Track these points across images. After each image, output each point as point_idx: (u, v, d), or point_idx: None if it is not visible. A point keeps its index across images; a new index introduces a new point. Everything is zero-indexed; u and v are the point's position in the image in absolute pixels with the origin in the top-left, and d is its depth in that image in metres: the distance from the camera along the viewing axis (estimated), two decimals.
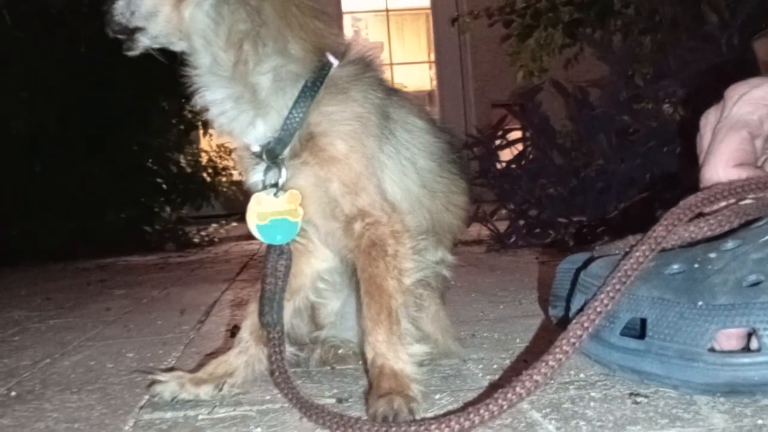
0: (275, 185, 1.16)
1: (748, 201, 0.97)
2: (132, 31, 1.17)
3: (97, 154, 4.56)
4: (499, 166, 4.04)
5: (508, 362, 1.31)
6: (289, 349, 1.21)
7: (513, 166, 3.98)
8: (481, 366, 1.29)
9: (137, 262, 4.23)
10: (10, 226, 4.60)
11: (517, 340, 1.49)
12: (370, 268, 1.12)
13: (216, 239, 5.35)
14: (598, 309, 0.90)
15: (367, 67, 1.23)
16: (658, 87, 3.60)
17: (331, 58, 1.18)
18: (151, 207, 5.11)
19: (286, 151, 1.15)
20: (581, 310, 0.92)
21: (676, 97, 3.56)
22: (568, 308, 1.11)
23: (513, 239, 3.82)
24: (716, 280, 0.89)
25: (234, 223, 5.71)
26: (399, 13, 9.16)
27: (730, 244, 0.93)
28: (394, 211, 1.15)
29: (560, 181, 3.87)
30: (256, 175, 1.18)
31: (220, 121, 1.16)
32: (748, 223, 0.96)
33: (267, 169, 1.16)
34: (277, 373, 1.12)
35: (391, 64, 8.20)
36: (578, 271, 1.10)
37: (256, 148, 1.17)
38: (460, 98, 7.35)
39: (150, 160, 4.93)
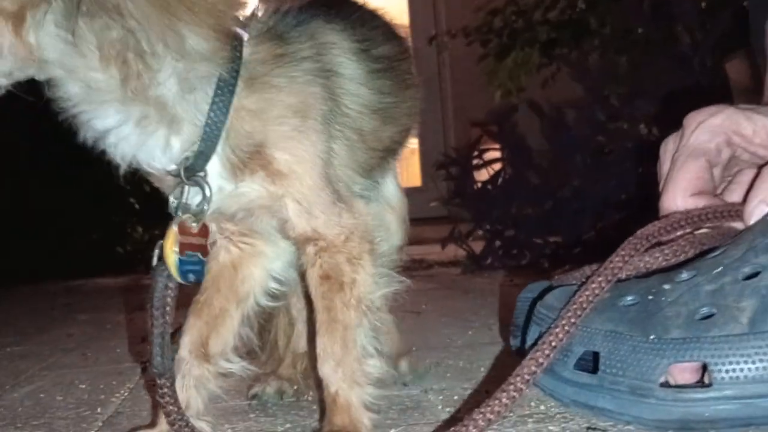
0: (196, 209, 0.99)
1: (704, 231, 0.95)
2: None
3: (67, 173, 4.49)
4: (475, 186, 4.03)
5: (469, 392, 1.28)
6: (238, 365, 1.11)
7: (489, 186, 3.97)
8: (441, 397, 1.26)
9: (107, 284, 4.16)
10: None
11: (482, 369, 1.45)
12: (323, 300, 1.01)
13: None
14: (553, 343, 0.87)
15: (283, 28, 1.03)
16: (632, 107, 3.61)
17: (242, 31, 0.98)
18: (123, 227, 5.03)
19: (214, 167, 0.98)
20: (536, 343, 0.89)
21: (650, 117, 3.56)
22: (524, 340, 1.07)
23: (489, 260, 3.79)
24: (669, 313, 0.86)
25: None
26: None
27: (684, 274, 0.91)
28: (354, 224, 1.02)
29: (536, 201, 3.86)
30: (172, 197, 1.00)
31: (121, 149, 0.96)
32: (703, 253, 0.94)
33: (184, 190, 0.98)
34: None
35: None
36: (534, 301, 1.07)
37: (172, 167, 0.97)
38: (438, 117, 7.34)
39: (122, 180, 4.84)
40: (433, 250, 3.95)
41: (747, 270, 0.86)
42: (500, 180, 3.93)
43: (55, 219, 4.65)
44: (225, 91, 0.94)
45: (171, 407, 0.99)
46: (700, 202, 1.00)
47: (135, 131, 0.94)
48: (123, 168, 0.99)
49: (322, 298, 1.02)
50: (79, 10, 0.86)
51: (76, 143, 1.00)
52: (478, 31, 5.34)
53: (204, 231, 1.02)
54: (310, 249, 1.02)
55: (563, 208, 3.78)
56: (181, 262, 0.99)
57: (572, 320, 0.88)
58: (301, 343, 1.33)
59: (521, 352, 1.20)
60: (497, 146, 4.27)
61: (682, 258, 0.93)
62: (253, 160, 0.98)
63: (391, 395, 1.23)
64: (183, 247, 0.99)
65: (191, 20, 0.92)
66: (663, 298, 0.89)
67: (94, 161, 1.02)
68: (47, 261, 4.56)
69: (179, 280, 1.01)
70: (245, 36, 0.98)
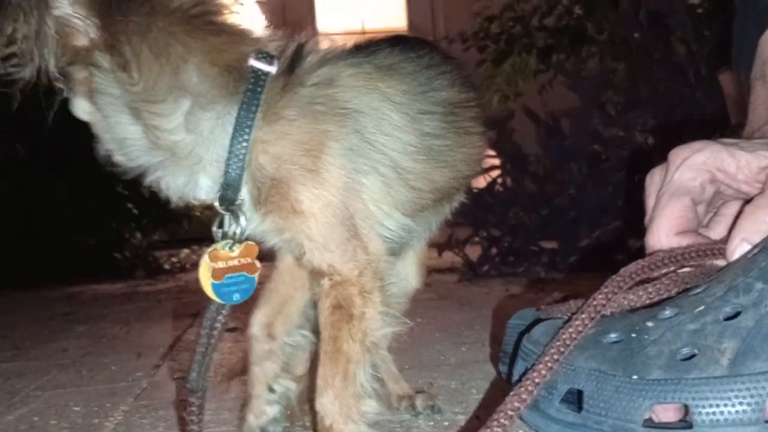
0: (232, 236, 1.05)
1: (687, 269, 0.96)
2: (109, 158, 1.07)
3: (66, 178, 4.50)
4: (472, 192, 4.04)
5: (461, 417, 1.29)
6: (300, 338, 1.21)
7: (486, 193, 3.98)
8: (432, 423, 1.27)
9: (105, 291, 4.18)
10: None
11: (474, 391, 1.46)
12: (331, 329, 1.03)
13: (187, 266, 5.28)
14: (536, 380, 0.88)
15: (314, 64, 1.05)
16: (628, 116, 3.62)
17: (261, 66, 1.01)
18: (121, 232, 5.05)
19: (245, 196, 1.03)
20: (520, 380, 0.90)
21: (647, 126, 3.57)
22: (510, 373, 1.08)
23: (486, 268, 3.80)
24: (651, 352, 0.87)
25: (206, 248, 5.64)
26: (375, 34, 9.16)
27: (667, 311, 0.92)
28: (367, 260, 1.04)
29: (532, 209, 3.87)
30: (214, 227, 1.07)
31: (163, 186, 1.05)
32: (686, 290, 0.95)
33: (222, 219, 1.05)
34: None
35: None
36: (521, 335, 1.08)
37: (210, 196, 1.05)
38: None
39: (120, 185, 4.86)
40: (430, 255, 3.95)
41: (728, 310, 0.86)
42: (497, 187, 3.94)
43: (54, 224, 4.66)
44: (244, 125, 0.98)
45: (195, 426, 1.05)
46: (684, 241, 1.01)
47: (163, 173, 1.04)
48: (172, 200, 1.07)
49: (330, 327, 1.03)
50: (110, 76, 0.99)
51: (74, 149, 1.08)
52: (475, 36, 5.35)
53: (249, 251, 1.07)
54: (325, 282, 1.04)
55: (559, 215, 3.79)
56: (219, 286, 1.06)
57: (555, 357, 0.89)
58: (298, 366, 1.34)
59: (510, 382, 1.21)
60: (494, 153, 4.29)
61: (665, 296, 0.94)
62: (271, 194, 1.02)
63: (382, 420, 1.25)
64: (219, 272, 1.06)
65: (188, 59, 0.99)
66: (646, 336, 0.89)
67: (92, 167, 1.09)
68: (46, 266, 4.58)
69: (222, 302, 1.07)
70: (271, 69, 1.01)
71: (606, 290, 0.95)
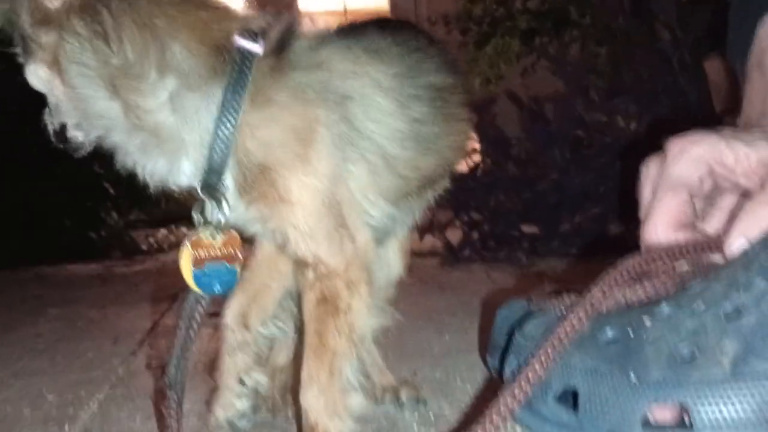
0: (215, 224, 1.01)
1: (684, 266, 0.94)
2: (62, 133, 1.02)
3: (40, 158, 4.40)
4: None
5: (447, 410, 1.27)
6: (274, 329, 1.18)
7: (468, 177, 3.95)
8: (417, 414, 1.24)
9: (80, 271, 4.10)
10: None
11: (459, 381, 1.44)
12: (317, 323, 1.00)
13: (165, 246, 5.19)
14: (530, 378, 0.85)
15: (303, 45, 1.01)
16: (612, 102, 3.61)
17: (248, 45, 0.97)
18: (97, 212, 4.95)
19: (229, 182, 0.99)
20: (513, 376, 0.87)
21: (630, 112, 3.56)
22: (502, 368, 1.06)
23: (466, 253, 3.78)
24: (650, 352, 0.84)
25: (184, 229, 5.56)
26: (357, 14, 9.09)
27: (665, 308, 0.89)
28: (354, 251, 1.00)
29: (514, 193, 3.85)
30: (194, 213, 1.02)
31: (145, 170, 1.00)
32: (684, 287, 0.92)
33: (204, 205, 1.01)
34: None
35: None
36: (512, 328, 1.05)
37: (191, 181, 1.01)
38: None
39: (96, 164, 4.76)
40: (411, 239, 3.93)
41: (729, 308, 0.84)
42: (479, 171, 3.92)
43: (27, 204, 4.56)
44: (230, 107, 0.94)
45: (173, 421, 0.99)
46: (681, 236, 0.99)
47: (143, 157, 0.99)
48: (150, 184, 1.02)
49: (315, 321, 1.00)
50: (88, 44, 0.93)
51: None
52: (458, 18, 5.30)
53: (231, 240, 1.04)
54: (310, 273, 1.00)
55: (541, 200, 3.78)
56: (200, 275, 1.03)
57: (550, 353, 0.86)
58: (281, 356, 1.31)
59: (499, 375, 1.19)
60: (476, 137, 4.26)
61: (663, 292, 0.91)
62: (257, 181, 0.98)
63: (367, 413, 1.22)
64: (201, 261, 1.02)
65: (174, 35, 0.94)
66: (644, 335, 0.87)
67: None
68: (19, 247, 4.48)
69: (202, 292, 1.03)
70: (257, 48, 0.97)
71: (602, 285, 0.92)
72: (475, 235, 3.89)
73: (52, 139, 1.04)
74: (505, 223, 3.88)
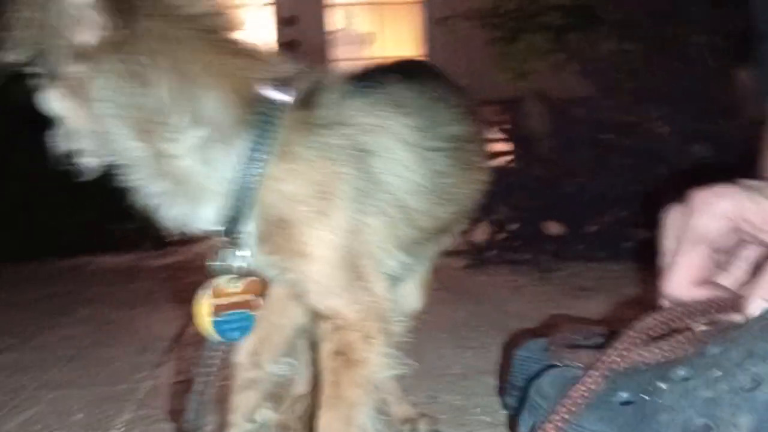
0: (236, 270, 1.01)
1: (703, 327, 0.94)
2: (75, 158, 1.00)
3: None
4: None
5: None
6: (285, 367, 1.20)
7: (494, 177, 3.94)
8: None
9: (110, 264, 4.17)
10: None
11: (478, 410, 1.45)
12: (333, 375, 1.01)
13: (195, 237, 5.20)
14: None
15: (330, 97, 1.01)
16: (641, 106, 3.57)
17: (276, 95, 0.98)
18: (125, 203, 4.98)
19: (250, 230, 0.99)
20: None
21: (658, 115, 3.52)
22: (517, 411, 1.07)
23: (491, 253, 3.78)
24: (663, 419, 0.85)
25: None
26: (390, 5, 9.03)
27: (681, 372, 0.89)
28: (371, 303, 1.01)
29: (540, 194, 3.84)
30: (215, 261, 1.02)
31: (163, 214, 1.00)
32: (702, 349, 0.92)
33: (224, 251, 1.00)
34: None
35: (381, 57, 8.13)
36: (530, 378, 1.06)
37: (213, 227, 1.00)
38: None
39: None
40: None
41: (745, 380, 0.84)
42: (505, 173, 3.91)
43: (59, 195, 4.62)
44: (256, 158, 0.95)
45: None
46: (701, 292, 0.98)
47: (168, 202, 0.98)
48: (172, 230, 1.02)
49: (331, 372, 1.01)
50: (120, 82, 0.92)
51: None
52: (491, 13, 5.26)
53: (251, 286, 1.04)
54: (327, 325, 1.02)
55: (567, 202, 3.76)
56: (219, 323, 1.02)
57: (565, 417, 0.87)
58: (298, 385, 1.33)
59: (514, 415, 1.20)
60: (503, 137, 4.23)
61: (680, 354, 0.91)
62: (277, 233, 0.99)
63: None
64: (220, 309, 1.02)
65: (207, 84, 0.94)
66: (659, 400, 0.87)
67: None
68: (51, 238, 4.56)
69: (222, 340, 1.03)
70: (286, 98, 0.97)
71: (620, 347, 0.93)
72: (501, 235, 3.89)
73: (61, 159, 1.01)
74: (530, 223, 3.87)
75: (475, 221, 3.94)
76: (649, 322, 0.95)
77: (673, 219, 1.10)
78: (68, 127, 0.99)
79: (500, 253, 3.79)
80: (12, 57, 0.94)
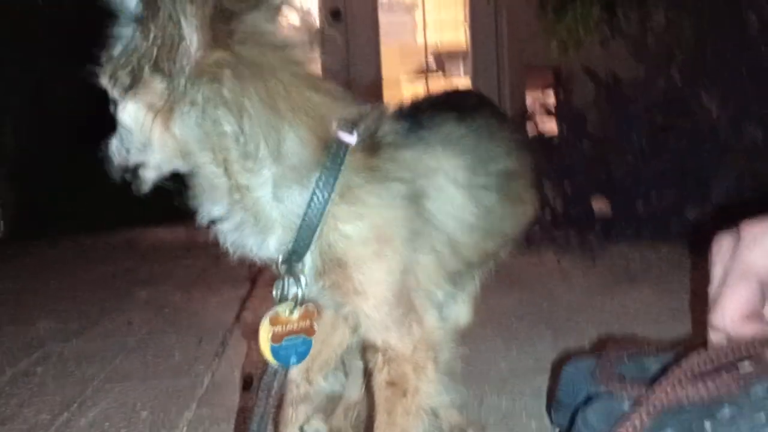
0: (293, 300, 1.06)
1: (748, 368, 0.95)
2: (134, 170, 1.05)
3: None
4: None
5: None
6: (335, 383, 1.29)
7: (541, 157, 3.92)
8: None
9: (165, 238, 4.27)
10: (42, 196, 4.68)
11: (524, 416, 1.49)
12: (386, 403, 1.07)
13: None
14: None
15: (388, 139, 1.05)
16: (694, 85, 3.50)
17: (344, 137, 1.01)
18: (181, 176, 5.09)
19: (308, 262, 1.04)
20: None
21: (712, 96, 3.45)
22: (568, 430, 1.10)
23: (538, 232, 3.78)
24: None
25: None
26: None
27: (726, 412, 0.92)
28: (422, 334, 1.06)
29: (589, 174, 3.81)
30: (274, 290, 1.07)
31: (229, 238, 1.04)
32: (747, 388, 0.94)
33: (284, 282, 1.05)
34: None
35: (424, 22, 8.03)
36: (577, 408, 1.09)
37: (274, 256, 1.05)
38: (493, 59, 7.18)
39: None
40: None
41: None
42: (552, 152, 3.88)
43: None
44: (320, 196, 0.99)
45: None
46: (749, 326, 1.00)
47: (237, 232, 1.03)
48: (231, 253, 1.06)
49: (385, 401, 1.07)
50: (208, 106, 0.95)
51: None
52: None
53: (308, 314, 1.09)
54: (379, 357, 1.07)
55: (616, 184, 3.73)
56: (278, 349, 1.08)
57: None
58: (354, 392, 1.39)
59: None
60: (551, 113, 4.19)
61: (724, 393, 0.94)
62: (334, 271, 1.03)
63: None
64: (278, 337, 1.08)
65: (293, 121, 0.97)
66: None
67: None
68: (109, 211, 4.69)
69: (280, 365, 1.09)
70: (352, 141, 1.01)
71: (666, 384, 0.95)
72: (548, 215, 3.88)
73: (112, 169, 1.07)
74: (577, 203, 3.85)
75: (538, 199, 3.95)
76: (696, 359, 0.97)
77: (722, 248, 1.11)
78: (140, 140, 1.02)
79: (546, 232, 3.79)
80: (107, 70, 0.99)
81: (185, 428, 1.48)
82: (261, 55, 0.97)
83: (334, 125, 1.01)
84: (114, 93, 1.02)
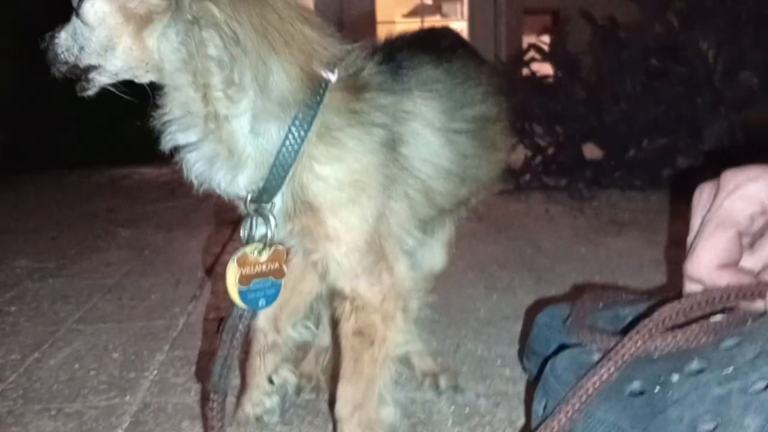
0: (261, 241, 1.01)
1: (718, 317, 0.93)
2: (84, 71, 0.97)
3: None
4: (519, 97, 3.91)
5: (482, 401, 1.31)
6: (303, 333, 1.24)
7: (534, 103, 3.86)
8: (453, 407, 1.29)
9: (149, 177, 4.24)
10: (28, 133, 4.62)
11: (499, 362, 1.48)
12: (352, 352, 1.05)
13: None
14: (554, 429, 0.89)
15: (368, 81, 1.01)
16: (691, 30, 3.43)
17: (326, 75, 0.96)
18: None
19: (278, 202, 1.00)
20: (541, 422, 0.91)
21: (709, 43, 3.39)
22: (529, 414, 1.09)
23: (528, 178, 3.75)
24: (672, 415, 0.86)
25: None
26: None
27: (695, 365, 0.89)
28: (391, 283, 1.03)
29: (581, 119, 3.76)
30: (241, 230, 1.03)
31: (194, 171, 0.97)
32: (717, 340, 0.92)
33: (251, 222, 1.01)
34: None
35: None
36: (546, 360, 1.07)
37: (243, 194, 1.00)
38: (491, 3, 7.07)
39: None
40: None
41: (756, 380, 0.84)
42: (546, 98, 3.82)
43: (101, 106, 4.67)
44: (297, 134, 0.94)
45: (217, 423, 1.04)
46: (724, 275, 0.97)
47: (206, 162, 0.97)
48: (195, 186, 1.00)
49: (351, 350, 1.05)
50: (193, 23, 0.88)
51: None
52: None
53: (277, 255, 1.04)
54: (347, 305, 1.04)
55: (608, 128, 3.69)
56: (246, 292, 1.03)
57: (576, 406, 0.89)
58: (325, 337, 1.37)
59: (534, 381, 1.23)
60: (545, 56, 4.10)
61: (694, 344, 0.92)
62: (305, 214, 0.99)
63: (405, 399, 1.28)
64: (246, 279, 1.03)
65: (284, 56, 0.92)
66: (669, 393, 0.88)
67: None
68: (93, 148, 4.65)
69: (248, 308, 1.04)
70: (332, 78, 0.96)
71: (636, 337, 0.93)
72: (538, 159, 3.84)
73: (56, 68, 0.99)
74: (568, 148, 3.81)
75: (513, 145, 3.91)
76: (666, 311, 0.94)
77: (703, 196, 1.08)
78: (102, 43, 0.94)
79: (536, 178, 3.76)
80: None
81: (156, 371, 1.46)
82: None
83: (322, 64, 0.96)
84: None
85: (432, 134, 1.05)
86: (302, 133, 0.94)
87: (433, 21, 7.63)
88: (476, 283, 2.05)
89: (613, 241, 2.54)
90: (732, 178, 1.03)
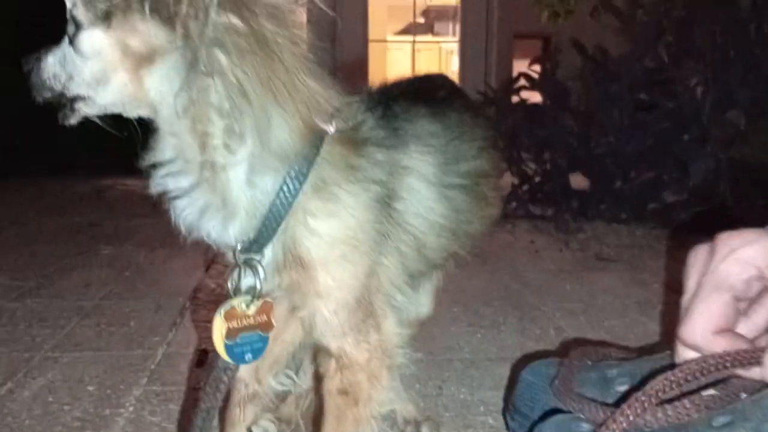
0: (249, 293, 0.98)
1: (711, 391, 0.92)
2: (71, 100, 0.93)
3: None
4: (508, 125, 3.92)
5: None
6: (284, 383, 1.23)
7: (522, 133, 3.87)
8: None
9: (134, 189, 4.19)
10: (6, 135, 4.57)
11: (482, 409, 1.46)
12: (336, 410, 1.02)
13: None
14: None
15: (368, 137, 0.99)
16: (681, 66, 3.45)
17: (326, 127, 0.93)
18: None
19: (268, 254, 0.96)
20: None
21: (698, 79, 3.40)
22: None
23: (514, 206, 3.75)
24: None
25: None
26: None
27: None
28: (378, 341, 1.01)
29: (569, 149, 3.77)
30: (228, 281, 0.99)
31: (185, 217, 0.93)
32: (709, 415, 0.91)
33: (239, 273, 0.97)
34: None
35: None
36: (533, 424, 1.06)
37: (233, 244, 0.96)
38: (483, 26, 7.11)
39: None
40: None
41: None
42: (535, 126, 3.83)
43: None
44: (292, 186, 0.91)
45: None
46: (720, 341, 0.96)
47: (198, 213, 0.93)
48: (183, 233, 0.96)
49: (335, 407, 1.03)
50: (199, 69, 0.84)
51: None
52: None
53: (265, 308, 1.01)
54: (332, 363, 1.02)
55: (595, 160, 3.70)
56: (232, 346, 1.00)
57: None
58: (305, 381, 1.34)
59: None
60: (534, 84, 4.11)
61: (685, 420, 0.90)
62: (293, 267, 0.96)
63: None
64: (234, 332, 1.00)
65: (287, 107, 0.89)
66: None
67: None
68: (79, 157, 4.60)
69: (234, 362, 1.02)
70: (330, 130, 0.93)
71: (628, 411, 0.92)
72: (525, 187, 3.85)
73: (39, 93, 0.96)
74: (555, 178, 3.82)
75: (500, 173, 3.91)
76: (659, 383, 0.93)
77: (698, 259, 1.06)
78: (95, 74, 0.90)
79: (522, 206, 3.76)
80: None
81: (132, 407, 1.42)
82: (271, 32, 0.87)
83: (322, 116, 0.93)
84: (79, 13, 0.89)
85: (427, 189, 1.04)
86: (297, 185, 0.91)
87: (425, 39, 7.68)
88: (460, 321, 2.04)
89: (599, 278, 2.54)
90: (727, 241, 1.02)
